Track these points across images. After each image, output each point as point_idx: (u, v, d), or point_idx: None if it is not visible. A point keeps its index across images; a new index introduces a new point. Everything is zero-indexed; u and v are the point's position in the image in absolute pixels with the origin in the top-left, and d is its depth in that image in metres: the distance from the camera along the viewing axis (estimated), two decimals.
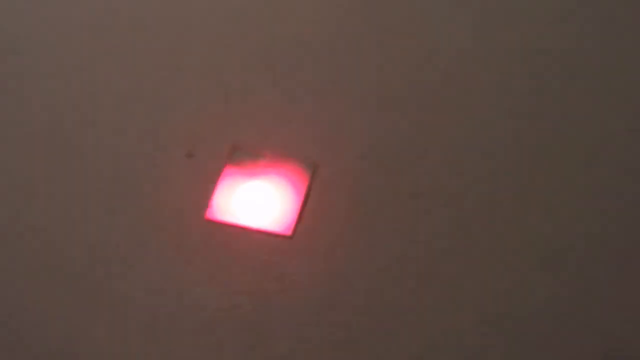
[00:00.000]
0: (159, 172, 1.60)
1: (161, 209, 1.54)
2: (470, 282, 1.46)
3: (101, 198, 1.58)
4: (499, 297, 1.46)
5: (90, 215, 1.56)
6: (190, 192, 1.55)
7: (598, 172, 1.63)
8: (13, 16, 1.96)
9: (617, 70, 1.77)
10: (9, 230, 1.57)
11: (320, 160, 1.57)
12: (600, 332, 1.42)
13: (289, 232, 1.47)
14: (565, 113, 1.73)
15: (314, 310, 1.42)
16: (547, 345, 1.42)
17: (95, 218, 1.56)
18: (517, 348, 1.41)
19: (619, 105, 1.71)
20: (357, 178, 1.56)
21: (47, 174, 1.63)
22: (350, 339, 1.40)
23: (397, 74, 1.73)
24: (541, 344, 1.42)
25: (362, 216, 1.51)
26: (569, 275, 1.49)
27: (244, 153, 1.57)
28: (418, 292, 1.45)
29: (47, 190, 1.60)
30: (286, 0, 1.85)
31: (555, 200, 1.57)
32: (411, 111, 1.68)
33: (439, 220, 1.52)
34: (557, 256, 1.51)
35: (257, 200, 1.52)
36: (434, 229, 1.52)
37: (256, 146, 1.59)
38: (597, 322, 1.43)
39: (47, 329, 1.47)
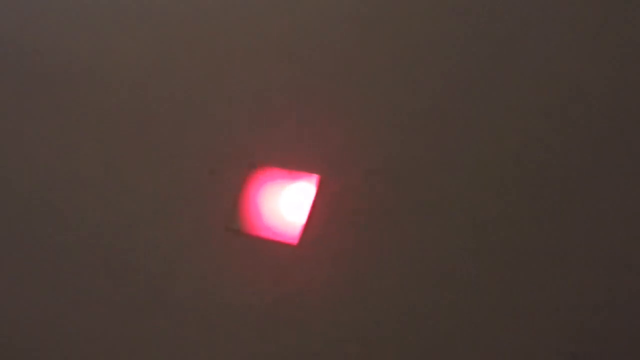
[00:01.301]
0: (185, 187, 1.73)
1: (186, 220, 1.67)
2: (474, 288, 1.53)
3: (133, 211, 1.72)
4: (502, 301, 1.51)
5: (124, 226, 1.70)
6: (212, 205, 1.69)
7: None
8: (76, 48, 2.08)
9: None
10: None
11: (326, 174, 1.69)
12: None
13: (295, 241, 1.61)
14: (582, 131, 1.75)
15: (317, 309, 1.54)
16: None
17: (127, 228, 1.70)
18: (499, 345, 1.44)
19: None
20: (360, 191, 1.67)
21: (92, 188, 1.79)
22: (351, 337, 1.50)
23: (403, 92, 1.83)
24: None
25: (364, 227, 1.62)
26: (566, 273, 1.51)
27: (260, 169, 1.72)
28: (419, 298, 1.52)
29: (90, 205, 1.75)
30: (300, 30, 1.99)
31: (562, 208, 1.62)
32: (415, 127, 1.77)
33: (440, 229, 1.60)
34: (563, 259, 1.54)
35: (270, 212, 1.67)
36: (436, 238, 1.59)
37: (271, 163, 1.74)
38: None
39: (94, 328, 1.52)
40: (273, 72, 1.90)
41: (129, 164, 1.79)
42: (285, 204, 1.66)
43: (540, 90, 1.81)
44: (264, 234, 1.63)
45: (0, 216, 1.74)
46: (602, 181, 1.66)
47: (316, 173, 1.69)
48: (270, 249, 1.62)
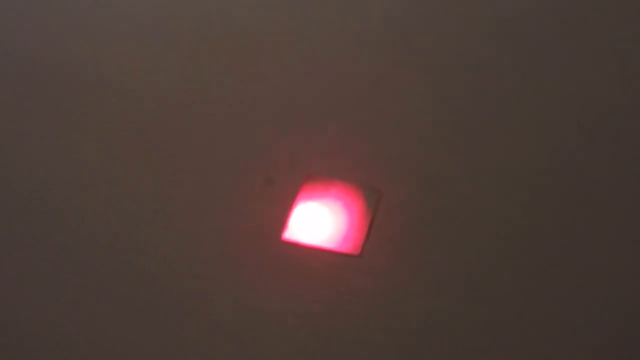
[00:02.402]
0: (243, 196, 1.75)
1: (244, 229, 1.68)
2: (522, 297, 1.55)
3: (192, 218, 1.73)
4: (550, 306, 1.53)
5: (180, 232, 1.71)
6: (269, 214, 1.70)
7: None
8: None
9: None
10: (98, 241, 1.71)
11: (384, 188, 1.72)
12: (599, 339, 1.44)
13: (357, 252, 1.62)
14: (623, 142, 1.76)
15: (377, 319, 1.55)
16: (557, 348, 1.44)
17: (185, 235, 1.70)
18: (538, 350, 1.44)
19: None
20: (417, 204, 1.70)
21: (142, 193, 1.78)
22: (409, 346, 1.51)
23: (451, 110, 1.87)
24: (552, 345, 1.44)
25: (423, 238, 1.65)
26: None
27: (318, 180, 1.74)
28: (473, 307, 1.55)
29: (140, 209, 1.75)
30: (351, 45, 2.03)
31: (601, 222, 1.64)
32: (465, 143, 1.81)
33: (494, 240, 1.63)
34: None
35: (329, 223, 1.68)
36: (489, 249, 1.62)
37: (329, 174, 1.76)
38: (596, 330, 1.45)
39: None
40: (334, 85, 1.93)
41: (186, 173, 1.80)
42: (346, 215, 1.68)
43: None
44: (325, 244, 1.64)
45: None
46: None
47: (376, 186, 1.71)
48: (331, 259, 1.63)
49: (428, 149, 1.79)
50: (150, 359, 1.52)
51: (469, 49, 1.96)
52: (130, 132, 1.88)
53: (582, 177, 1.69)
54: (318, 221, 1.68)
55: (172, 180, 1.79)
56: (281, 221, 1.68)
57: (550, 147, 1.74)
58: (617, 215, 1.62)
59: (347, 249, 1.62)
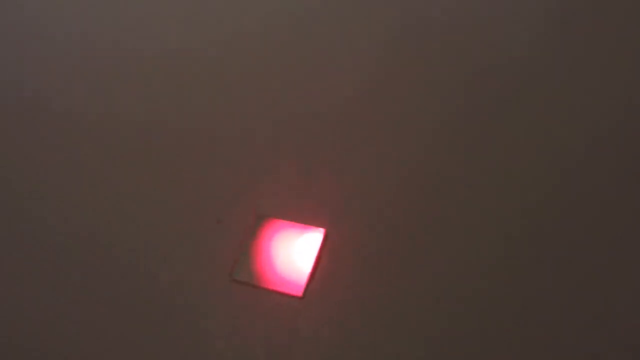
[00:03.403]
0: (193, 235, 1.74)
1: (192, 268, 1.68)
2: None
3: (142, 256, 1.72)
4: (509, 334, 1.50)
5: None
6: (218, 254, 1.70)
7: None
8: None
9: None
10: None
11: (330, 228, 1.71)
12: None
13: (299, 293, 1.63)
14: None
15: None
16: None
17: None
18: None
19: None
20: (363, 245, 1.69)
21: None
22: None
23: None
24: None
25: (367, 279, 1.63)
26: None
27: (265, 220, 1.74)
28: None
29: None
30: (304, 82, 2.02)
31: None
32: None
33: (440, 280, 1.61)
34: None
35: (275, 264, 1.68)
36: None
37: (276, 214, 1.76)
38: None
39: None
40: (283, 124, 1.92)
41: (136, 212, 1.80)
42: (291, 256, 1.68)
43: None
44: (268, 285, 1.64)
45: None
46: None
47: (322, 226, 1.71)
48: (274, 300, 1.62)
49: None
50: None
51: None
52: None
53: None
54: (264, 261, 1.68)
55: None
56: (229, 261, 1.68)
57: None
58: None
59: (290, 290, 1.62)
